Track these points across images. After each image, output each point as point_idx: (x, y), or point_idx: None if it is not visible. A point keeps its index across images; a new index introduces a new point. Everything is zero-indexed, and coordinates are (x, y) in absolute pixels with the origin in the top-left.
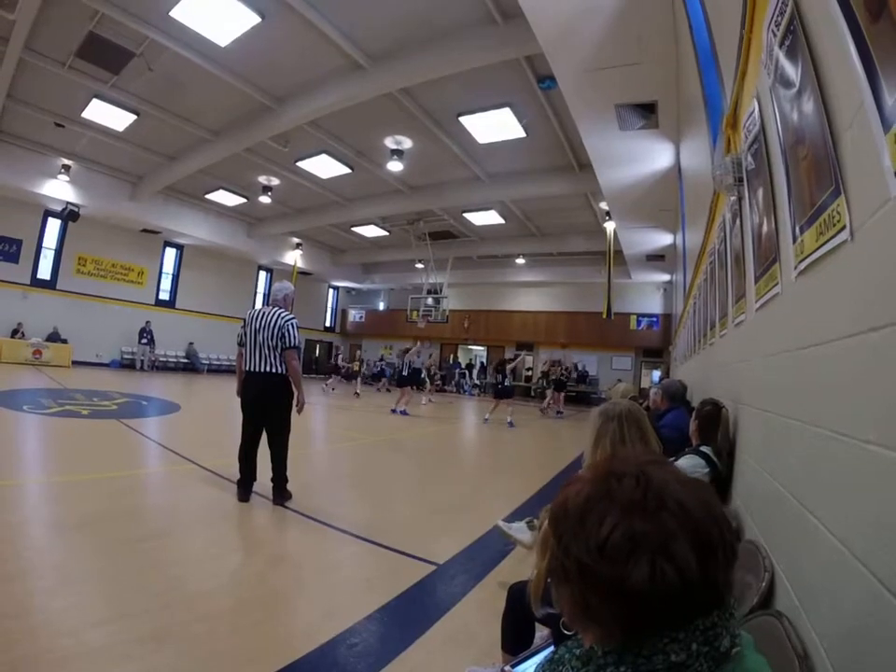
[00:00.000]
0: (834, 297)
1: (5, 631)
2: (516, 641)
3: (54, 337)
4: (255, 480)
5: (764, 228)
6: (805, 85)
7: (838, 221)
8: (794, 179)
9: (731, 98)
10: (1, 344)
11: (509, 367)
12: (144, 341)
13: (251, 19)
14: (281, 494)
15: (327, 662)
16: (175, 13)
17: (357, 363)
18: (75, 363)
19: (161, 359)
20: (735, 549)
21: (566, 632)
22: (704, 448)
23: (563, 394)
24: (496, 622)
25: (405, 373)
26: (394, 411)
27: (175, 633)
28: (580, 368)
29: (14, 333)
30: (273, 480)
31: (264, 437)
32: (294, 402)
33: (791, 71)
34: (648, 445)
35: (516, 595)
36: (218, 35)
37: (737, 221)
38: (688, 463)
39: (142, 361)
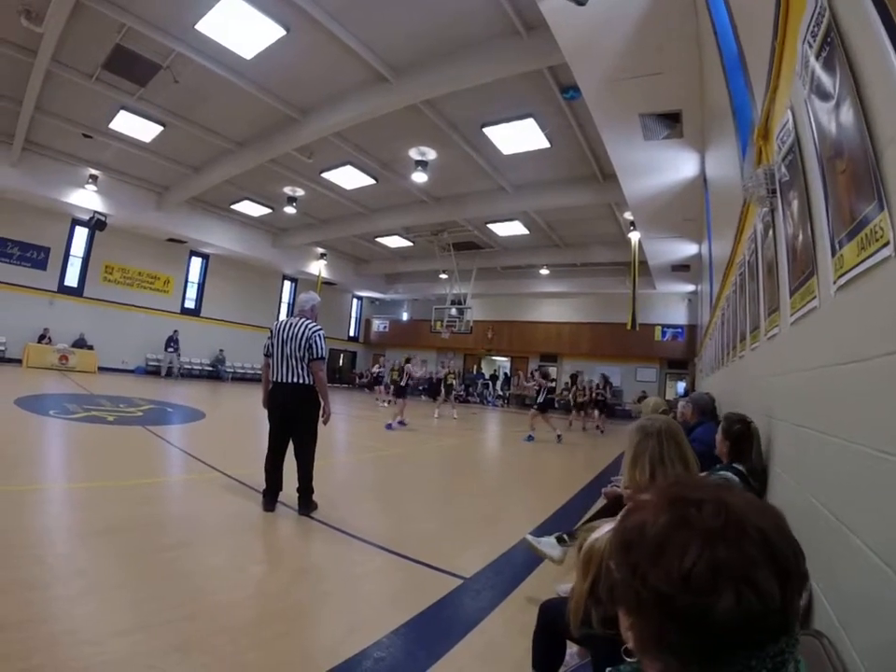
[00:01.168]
0: (876, 313)
1: (26, 638)
2: (548, 660)
3: (80, 343)
4: (280, 490)
5: (800, 240)
6: (844, 97)
7: (881, 237)
8: (832, 192)
9: (762, 108)
10: (28, 350)
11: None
12: (171, 349)
13: (276, 32)
14: (307, 504)
15: None
16: (201, 26)
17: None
18: (100, 369)
19: (186, 367)
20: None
21: (627, 658)
22: (737, 465)
23: (602, 413)
24: (524, 638)
25: (402, 384)
26: (389, 426)
27: (198, 644)
28: (609, 381)
29: (41, 339)
30: (298, 490)
31: (290, 447)
32: (321, 413)
33: (829, 83)
34: (687, 463)
35: (548, 612)
36: (244, 47)
37: (770, 233)
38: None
39: (168, 368)
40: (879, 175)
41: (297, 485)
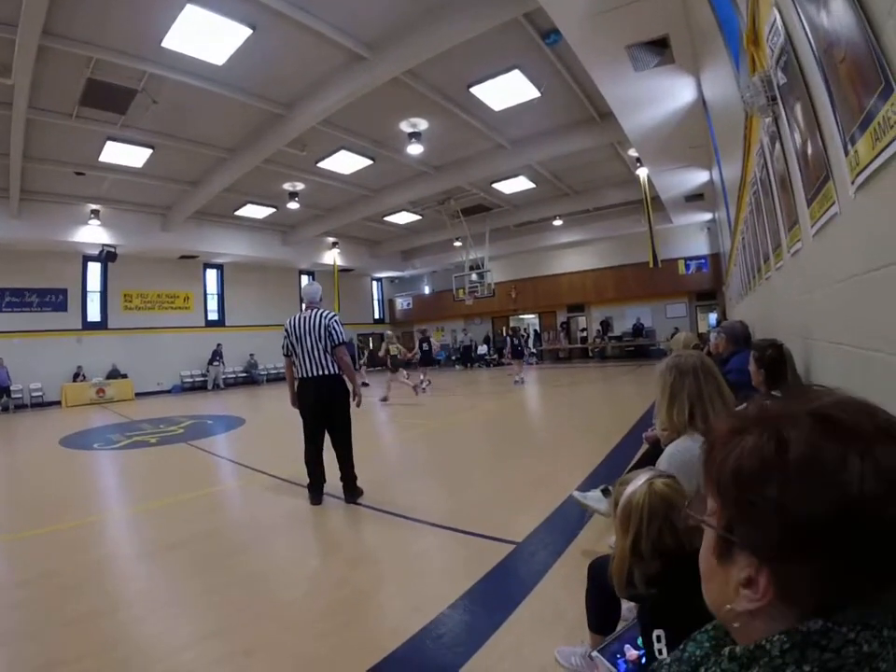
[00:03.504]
0: None
1: (101, 666)
2: (602, 619)
3: (114, 374)
4: (325, 482)
5: (809, 144)
6: None
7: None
8: (835, 85)
9: (747, 13)
10: (66, 390)
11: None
12: (216, 362)
13: (242, 32)
14: (352, 492)
15: (416, 656)
16: (167, 43)
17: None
18: (138, 395)
19: (222, 376)
20: None
21: (727, 625)
22: (775, 393)
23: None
24: (581, 596)
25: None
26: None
27: (263, 645)
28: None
29: (76, 377)
30: (342, 479)
31: (328, 438)
32: (351, 398)
33: None
34: (724, 398)
35: (598, 571)
36: (214, 54)
37: (777, 144)
38: None
39: (214, 381)
40: (882, 53)
41: (339, 475)
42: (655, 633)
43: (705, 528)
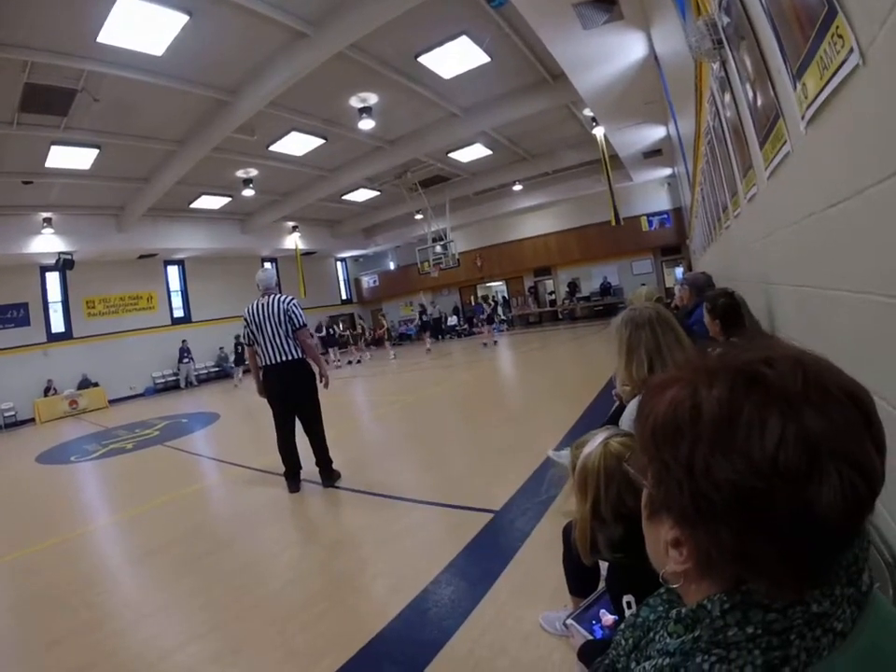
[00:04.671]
0: (858, 136)
1: None
2: (580, 583)
3: (85, 383)
4: (300, 468)
5: (758, 85)
6: None
7: (842, 46)
8: (779, 19)
9: None
10: (38, 406)
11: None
12: (186, 360)
13: (179, 19)
14: (329, 475)
15: (400, 636)
16: (103, 38)
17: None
18: (111, 401)
19: (193, 373)
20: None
21: (668, 585)
22: (734, 340)
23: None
24: (560, 560)
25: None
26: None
27: (250, 642)
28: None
29: (47, 391)
30: (318, 464)
31: (300, 425)
32: (318, 380)
33: None
34: (685, 349)
35: (571, 535)
36: (152, 45)
37: (727, 90)
38: None
39: (186, 379)
40: None
41: (314, 460)
42: (625, 599)
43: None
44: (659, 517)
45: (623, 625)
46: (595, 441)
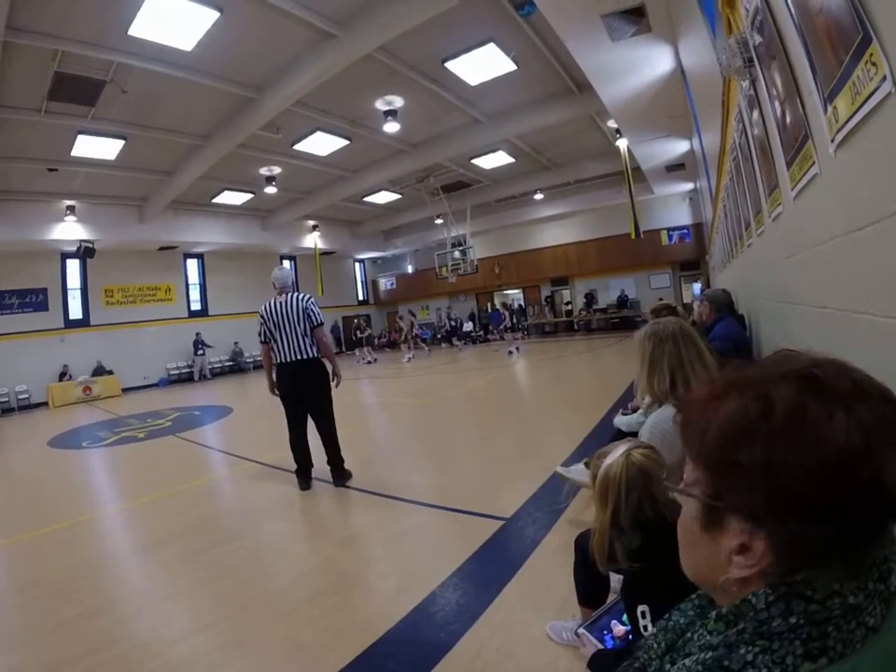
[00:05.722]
0: (888, 162)
1: (98, 664)
2: (591, 593)
3: (100, 371)
4: (312, 466)
5: (787, 105)
6: None
7: (875, 73)
8: (812, 41)
9: None
10: (52, 390)
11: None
12: (200, 352)
13: (210, 16)
14: (340, 474)
15: (407, 637)
16: (134, 31)
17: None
18: (125, 390)
19: (207, 366)
20: None
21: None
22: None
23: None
24: (570, 570)
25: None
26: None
27: (254, 635)
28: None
29: (62, 377)
30: (329, 463)
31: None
32: (331, 379)
33: None
34: (706, 364)
35: (584, 545)
36: (181, 40)
37: (755, 107)
38: None
39: (200, 372)
40: (858, 2)
41: (326, 458)
42: (640, 608)
43: (684, 499)
44: (721, 526)
45: (654, 629)
46: (617, 452)
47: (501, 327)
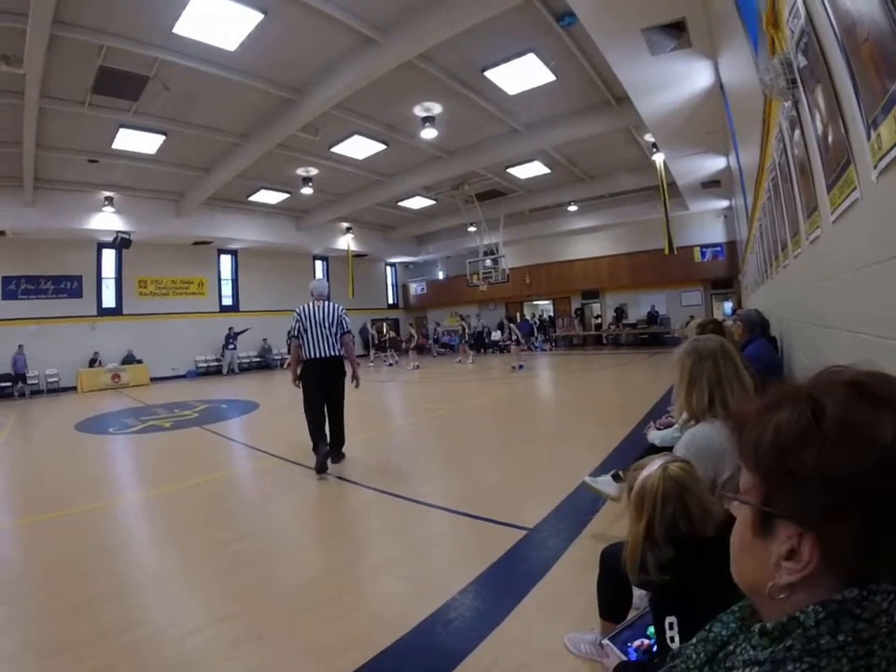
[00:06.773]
0: None
1: (110, 649)
2: (613, 607)
3: (130, 359)
4: (328, 443)
5: (830, 129)
6: None
7: None
8: (857, 67)
9: None
10: (81, 376)
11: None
12: (231, 346)
13: (254, 17)
14: (339, 453)
15: (423, 642)
16: (179, 29)
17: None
18: (153, 380)
19: (236, 361)
20: None
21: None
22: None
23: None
24: (592, 583)
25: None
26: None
27: (270, 630)
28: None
29: (92, 363)
30: (333, 443)
31: None
32: (350, 379)
33: None
34: (743, 383)
35: (610, 558)
36: (225, 40)
37: (797, 128)
38: None
39: (229, 366)
40: None
41: (330, 441)
42: (668, 620)
43: (739, 508)
44: (772, 532)
45: (693, 640)
46: (655, 465)
47: (505, 341)
